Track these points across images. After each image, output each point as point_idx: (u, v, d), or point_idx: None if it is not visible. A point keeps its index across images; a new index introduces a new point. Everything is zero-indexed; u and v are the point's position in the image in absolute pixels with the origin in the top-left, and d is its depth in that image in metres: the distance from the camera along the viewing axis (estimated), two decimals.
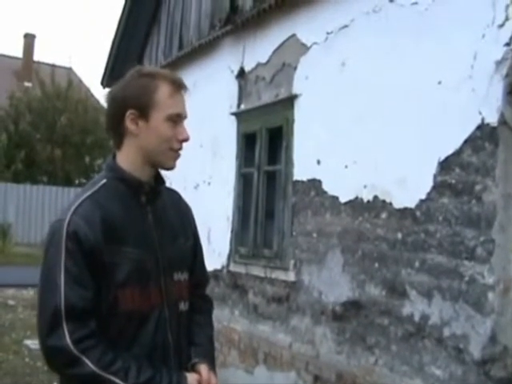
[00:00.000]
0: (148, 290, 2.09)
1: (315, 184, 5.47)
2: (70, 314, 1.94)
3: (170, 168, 2.20)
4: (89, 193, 2.10)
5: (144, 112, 2.09)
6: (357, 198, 4.91)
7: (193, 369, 2.22)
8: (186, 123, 2.22)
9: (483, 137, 3.82)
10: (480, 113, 3.83)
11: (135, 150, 2.14)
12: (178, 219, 2.31)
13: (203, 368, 2.21)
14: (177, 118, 2.13)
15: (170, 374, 2.08)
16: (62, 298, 1.94)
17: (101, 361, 1.95)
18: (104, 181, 2.14)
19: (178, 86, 2.15)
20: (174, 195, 2.41)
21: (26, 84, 29.66)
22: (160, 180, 2.26)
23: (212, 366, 2.28)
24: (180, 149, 2.17)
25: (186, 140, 2.16)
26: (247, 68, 6.79)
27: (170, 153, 2.15)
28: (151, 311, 2.10)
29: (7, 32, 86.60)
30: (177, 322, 2.20)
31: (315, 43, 5.60)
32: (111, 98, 2.19)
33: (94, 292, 1.99)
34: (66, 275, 1.96)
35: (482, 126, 3.83)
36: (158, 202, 2.21)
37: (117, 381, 1.95)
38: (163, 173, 2.29)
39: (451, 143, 4.03)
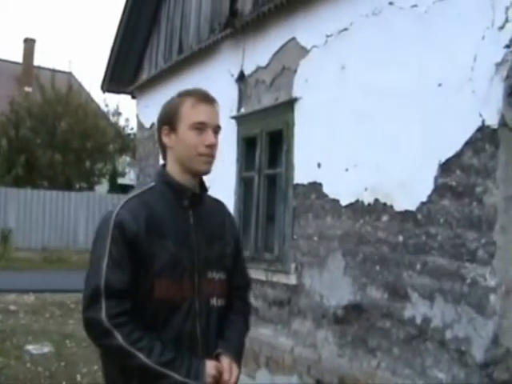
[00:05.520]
0: (181, 283, 2.31)
1: (316, 187, 5.46)
2: (109, 293, 2.20)
3: (204, 172, 2.40)
4: (137, 193, 2.42)
5: (173, 126, 2.37)
6: (358, 201, 4.91)
7: (216, 359, 2.35)
8: None
9: (484, 139, 3.81)
10: (480, 115, 3.83)
11: (174, 161, 2.41)
12: (218, 226, 2.52)
13: (225, 359, 2.35)
14: (200, 126, 2.34)
15: (190, 359, 2.25)
16: (102, 278, 2.21)
17: (129, 336, 2.18)
18: (152, 184, 2.44)
19: (201, 99, 2.38)
20: (219, 204, 2.62)
21: (27, 89, 29.62)
22: (203, 188, 2.48)
23: (237, 359, 2.41)
24: (208, 153, 2.36)
25: (211, 145, 2.34)
26: (247, 71, 6.79)
27: (199, 158, 2.34)
28: (182, 302, 2.31)
29: (7, 37, 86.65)
30: (206, 315, 2.38)
31: (315, 46, 5.60)
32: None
33: (132, 277, 2.23)
34: (109, 259, 2.22)
35: (482, 128, 3.82)
36: (200, 208, 2.43)
37: (141, 356, 2.17)
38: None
39: (452, 145, 4.03)
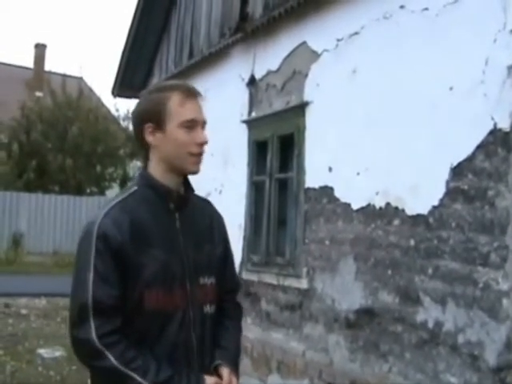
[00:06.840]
0: (173, 292, 2.18)
1: (327, 191, 5.46)
2: (97, 310, 2.06)
3: (194, 172, 2.28)
4: (118, 199, 2.24)
5: (159, 124, 2.22)
6: (369, 204, 4.90)
7: (215, 370, 2.26)
8: None
9: (496, 142, 3.80)
10: (492, 118, 3.82)
11: (158, 160, 2.26)
12: (207, 227, 2.39)
13: (225, 371, 2.25)
14: (191, 124, 2.22)
15: (188, 376, 2.14)
16: (89, 294, 2.06)
17: (122, 356, 2.05)
18: (134, 188, 2.28)
19: (189, 94, 2.25)
20: (207, 205, 2.49)
21: (38, 94, 29.73)
22: (189, 188, 2.35)
23: (235, 370, 2.32)
24: (200, 153, 2.25)
25: (203, 143, 2.24)
26: (258, 76, 6.79)
27: (189, 158, 2.23)
28: (175, 312, 2.18)
29: (18, 42, 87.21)
30: (201, 323, 2.26)
31: (326, 50, 5.60)
32: (131, 119, 2.37)
33: (121, 290, 2.10)
34: (95, 273, 2.08)
35: (494, 132, 3.81)
36: (186, 210, 2.30)
37: (136, 377, 2.04)
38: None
39: (463, 149, 4.01)
